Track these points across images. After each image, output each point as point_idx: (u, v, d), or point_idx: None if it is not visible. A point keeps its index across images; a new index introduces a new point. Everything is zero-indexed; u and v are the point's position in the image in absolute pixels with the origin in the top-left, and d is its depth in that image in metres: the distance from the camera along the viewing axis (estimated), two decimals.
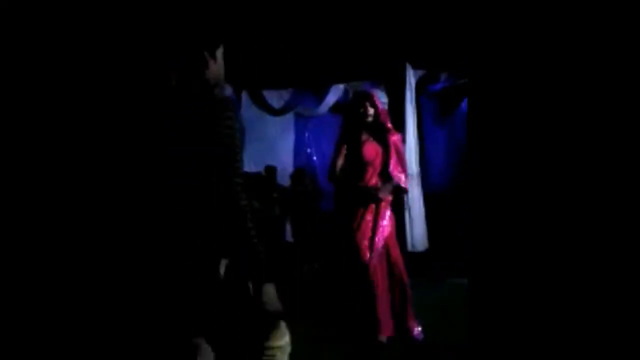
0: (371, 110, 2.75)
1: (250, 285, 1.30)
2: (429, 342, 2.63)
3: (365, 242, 2.69)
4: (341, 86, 4.74)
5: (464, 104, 4.70)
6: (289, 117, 4.78)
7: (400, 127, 4.21)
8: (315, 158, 5.01)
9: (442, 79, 4.71)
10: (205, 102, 1.38)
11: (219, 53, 1.49)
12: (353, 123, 2.81)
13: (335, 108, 4.78)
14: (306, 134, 5.03)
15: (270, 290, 1.32)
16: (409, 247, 3.98)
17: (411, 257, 3.94)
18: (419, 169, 4.23)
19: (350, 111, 2.83)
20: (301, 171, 4.73)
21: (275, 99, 4.78)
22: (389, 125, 2.85)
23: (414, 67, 4.41)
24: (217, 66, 1.48)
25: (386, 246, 2.75)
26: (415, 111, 4.36)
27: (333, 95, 4.71)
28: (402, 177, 2.84)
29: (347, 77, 4.71)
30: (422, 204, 4.11)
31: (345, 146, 2.79)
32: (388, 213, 2.80)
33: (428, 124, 4.70)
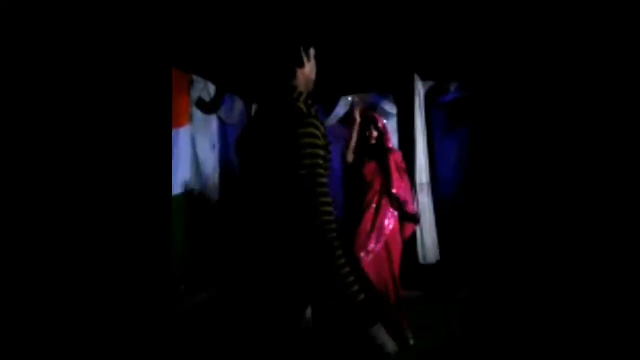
0: (375, 134, 2.81)
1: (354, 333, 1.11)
2: (439, 355, 2.58)
3: (363, 237, 2.68)
4: (350, 98, 4.76)
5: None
6: None
7: (410, 138, 4.20)
8: None
9: (451, 90, 4.70)
10: (284, 115, 1.17)
11: (312, 54, 1.33)
12: (359, 144, 2.85)
13: (345, 120, 4.79)
14: None
15: (379, 332, 1.11)
16: (420, 260, 3.93)
17: (422, 270, 3.88)
18: (429, 179, 4.20)
19: (357, 131, 2.86)
20: None
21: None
22: (390, 145, 2.91)
23: (423, 79, 4.41)
24: (310, 67, 1.30)
25: (387, 249, 2.71)
26: (424, 122, 4.34)
27: (342, 108, 4.72)
28: (408, 199, 2.85)
29: (356, 89, 4.72)
30: (432, 215, 4.06)
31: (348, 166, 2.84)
32: (390, 211, 2.77)
33: (438, 134, 4.68)
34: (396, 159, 2.87)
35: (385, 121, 3.19)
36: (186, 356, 2.02)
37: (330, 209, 1.12)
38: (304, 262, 1.13)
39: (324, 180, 1.13)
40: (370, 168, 2.84)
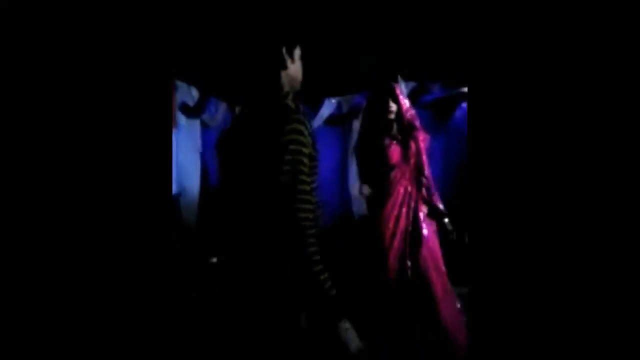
0: (393, 107, 2.35)
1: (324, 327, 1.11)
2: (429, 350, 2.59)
3: (397, 258, 2.21)
4: (334, 100, 4.78)
5: (457, 114, 4.75)
6: None
7: None
8: None
9: (433, 90, 4.77)
10: (269, 113, 1.17)
11: (297, 54, 1.30)
12: (374, 123, 2.39)
13: (330, 121, 4.81)
14: None
15: (346, 330, 1.11)
16: None
17: None
18: None
19: (370, 110, 2.43)
20: None
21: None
22: (417, 123, 2.45)
23: (405, 79, 4.46)
24: (294, 68, 1.28)
25: (425, 265, 2.24)
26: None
27: (327, 109, 4.74)
28: (435, 190, 2.45)
29: (339, 90, 4.75)
30: None
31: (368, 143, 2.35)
32: (427, 220, 2.33)
33: None
34: (425, 139, 2.44)
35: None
36: (177, 355, 2.00)
37: (309, 206, 1.12)
38: (282, 259, 1.14)
39: (306, 178, 1.13)
40: (396, 150, 2.35)
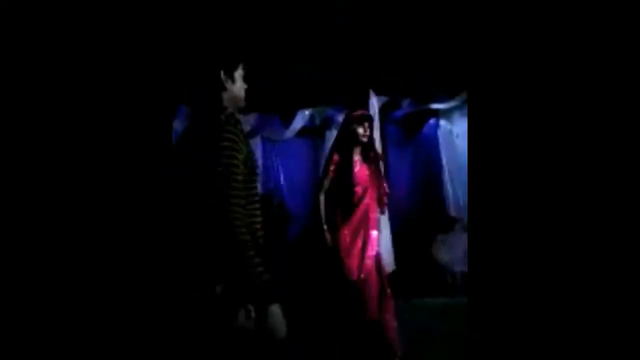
0: (369, 132, 2.67)
1: (252, 309, 1.23)
2: None
3: (355, 263, 2.59)
4: (307, 112, 4.81)
5: (425, 130, 4.88)
6: (256, 141, 4.81)
7: None
8: (282, 182, 5.04)
9: (404, 105, 4.88)
10: (207, 125, 1.31)
11: (238, 74, 1.41)
12: (346, 142, 2.70)
13: (303, 132, 4.84)
14: (273, 159, 5.07)
15: (275, 312, 1.24)
16: None
17: None
18: None
19: (346, 129, 2.71)
20: (269, 197, 4.74)
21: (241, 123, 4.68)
22: (378, 148, 2.81)
23: (377, 94, 4.55)
24: (237, 88, 1.41)
25: (377, 262, 2.66)
26: (379, 137, 4.47)
27: (300, 120, 4.77)
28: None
29: (312, 102, 4.80)
30: (388, 226, 4.18)
31: (334, 167, 2.65)
32: (375, 233, 2.69)
33: (391, 149, 4.83)
34: (381, 167, 2.76)
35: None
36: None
37: (239, 208, 1.24)
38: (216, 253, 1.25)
39: (238, 182, 1.26)
40: (363, 171, 2.69)
